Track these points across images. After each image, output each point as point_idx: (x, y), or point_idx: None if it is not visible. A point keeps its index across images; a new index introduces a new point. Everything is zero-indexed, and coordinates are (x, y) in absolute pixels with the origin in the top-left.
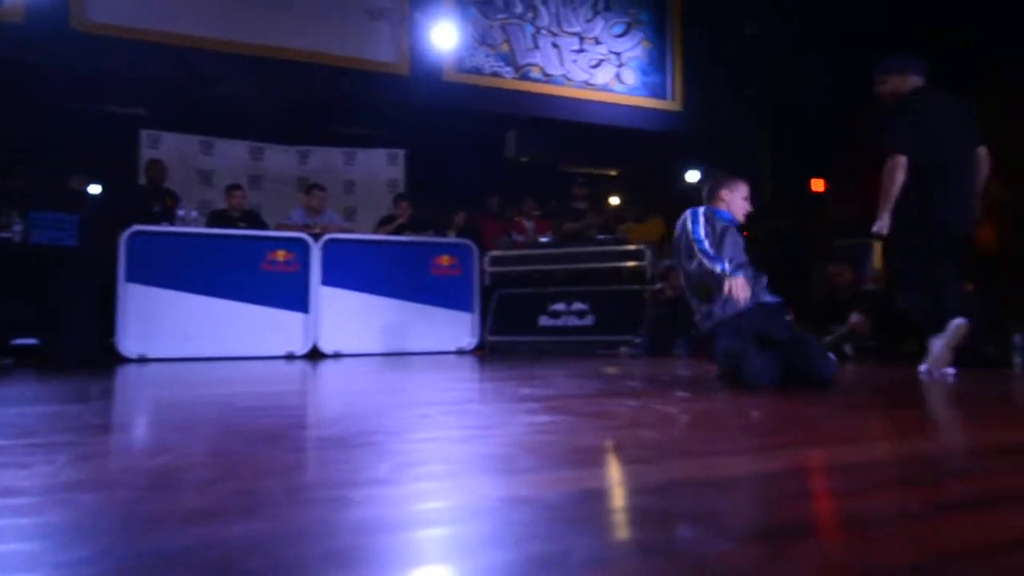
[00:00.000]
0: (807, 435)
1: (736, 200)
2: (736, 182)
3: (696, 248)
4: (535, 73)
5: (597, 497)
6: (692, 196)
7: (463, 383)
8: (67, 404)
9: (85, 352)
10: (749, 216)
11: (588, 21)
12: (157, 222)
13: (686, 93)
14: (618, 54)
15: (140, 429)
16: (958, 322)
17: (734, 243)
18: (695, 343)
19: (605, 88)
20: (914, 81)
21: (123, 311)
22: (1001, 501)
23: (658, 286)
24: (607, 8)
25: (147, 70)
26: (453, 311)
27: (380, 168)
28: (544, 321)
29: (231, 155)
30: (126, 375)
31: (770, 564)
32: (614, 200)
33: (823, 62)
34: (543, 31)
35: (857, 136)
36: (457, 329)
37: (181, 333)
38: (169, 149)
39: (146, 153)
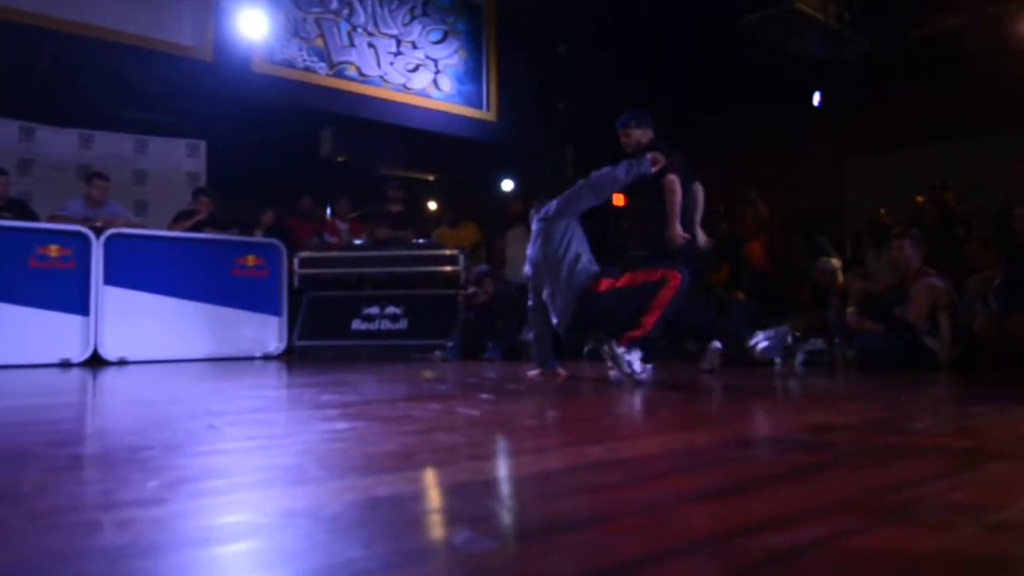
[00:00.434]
0: (592, 433)
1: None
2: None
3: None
4: (351, 72)
5: (382, 505)
6: (506, 204)
7: (262, 391)
8: None
9: None
10: None
11: (405, 25)
12: None
13: (501, 105)
14: (435, 60)
15: None
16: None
17: None
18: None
19: (423, 93)
20: (650, 134)
21: None
22: (750, 487)
23: (471, 291)
24: (424, 14)
25: None
26: (258, 314)
27: (178, 159)
28: (357, 325)
29: None
30: None
31: (535, 558)
32: (431, 205)
33: (625, 84)
34: (359, 30)
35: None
36: (263, 333)
37: None
38: None
39: None
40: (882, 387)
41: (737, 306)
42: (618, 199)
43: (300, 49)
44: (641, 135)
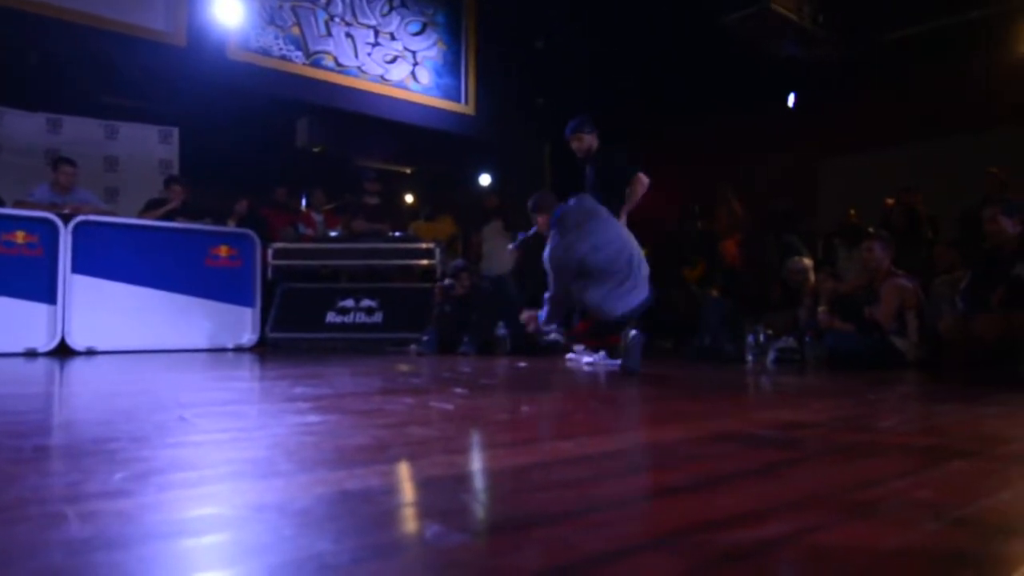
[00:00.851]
0: (565, 428)
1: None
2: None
3: None
4: (327, 61)
5: (353, 499)
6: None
7: (233, 383)
8: None
9: None
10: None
11: (384, 15)
12: None
13: (479, 98)
14: (413, 52)
15: None
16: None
17: None
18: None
19: (401, 85)
20: (596, 140)
21: None
22: (720, 483)
23: (447, 283)
24: (403, 5)
25: None
26: (231, 305)
27: (150, 146)
28: (331, 318)
29: None
30: None
31: (505, 552)
32: (408, 198)
33: (603, 81)
34: (336, 19)
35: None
36: (235, 325)
37: None
38: None
39: None
40: (851, 385)
41: (711, 303)
42: None
43: (276, 37)
44: (592, 140)
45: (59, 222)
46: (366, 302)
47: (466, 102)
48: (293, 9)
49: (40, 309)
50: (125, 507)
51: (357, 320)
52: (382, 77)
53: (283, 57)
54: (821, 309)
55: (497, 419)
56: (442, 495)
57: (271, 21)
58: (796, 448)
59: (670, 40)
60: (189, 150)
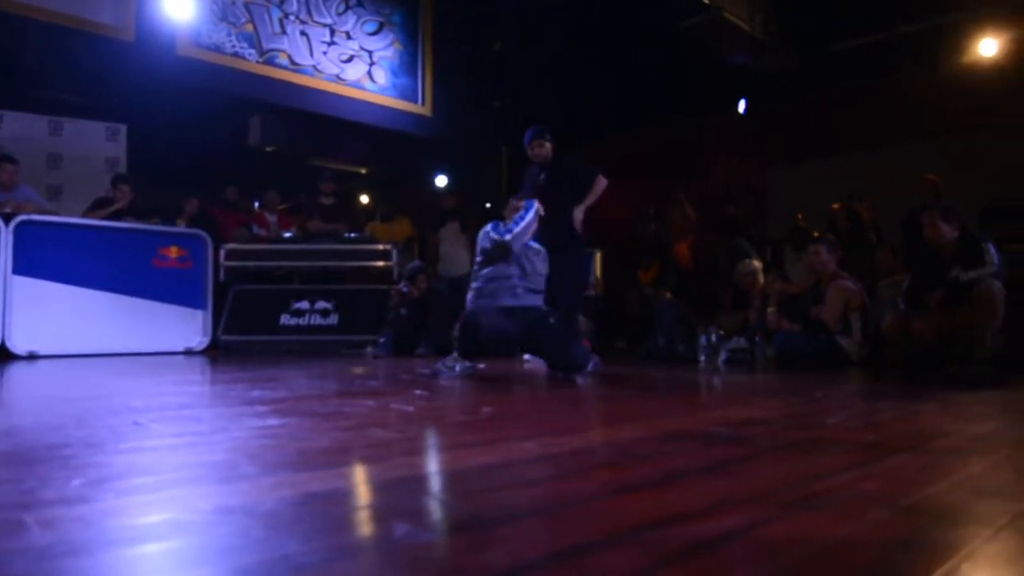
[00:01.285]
0: (525, 428)
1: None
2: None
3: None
4: (282, 60)
5: (319, 500)
6: (440, 200)
7: (187, 386)
8: None
9: None
10: None
11: (340, 14)
12: None
13: (436, 99)
14: (370, 52)
15: None
16: None
17: None
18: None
19: (357, 85)
20: (552, 149)
21: None
22: (671, 480)
23: (403, 287)
24: (359, 4)
25: None
26: (181, 307)
27: (96, 143)
28: (285, 320)
29: None
30: None
31: (472, 550)
32: (363, 198)
33: (558, 86)
34: (291, 17)
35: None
36: (186, 327)
37: None
38: None
39: None
40: (798, 384)
41: (664, 305)
42: None
43: (228, 34)
44: (551, 148)
45: (0, 222)
46: (321, 304)
47: (423, 103)
48: (246, 6)
49: None
50: (85, 513)
51: (312, 322)
52: (338, 76)
53: (236, 54)
54: (770, 310)
55: (458, 420)
56: (408, 496)
57: (223, 17)
58: (747, 445)
59: (625, 45)
60: (137, 148)
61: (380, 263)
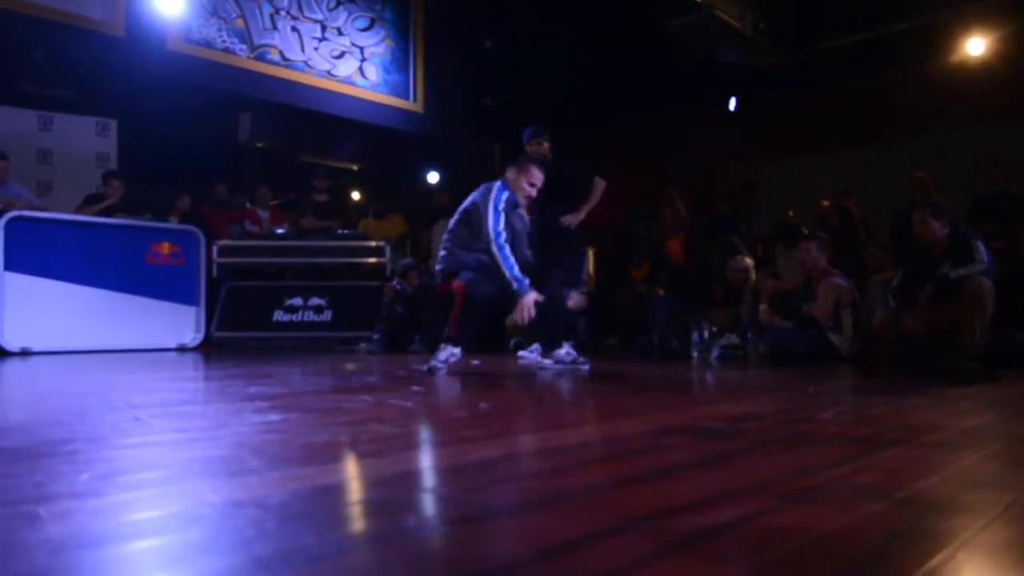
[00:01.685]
0: (523, 424)
1: (519, 182)
2: (528, 167)
3: (492, 238)
4: (273, 55)
5: (327, 493)
6: (432, 197)
7: (184, 382)
8: None
9: None
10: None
11: (331, 10)
12: None
13: (428, 96)
14: (361, 48)
15: None
16: None
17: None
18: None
19: (348, 81)
20: (550, 148)
21: None
22: (670, 473)
23: (395, 283)
24: (351, 0)
25: None
26: (174, 304)
27: (86, 139)
28: (279, 316)
29: None
30: None
31: (479, 540)
32: (355, 195)
33: (550, 83)
34: (282, 13)
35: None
36: (179, 324)
37: None
38: None
39: None
40: (790, 379)
41: (657, 302)
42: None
43: (219, 29)
44: (550, 148)
45: None
46: (315, 300)
47: (415, 99)
48: (237, 1)
49: None
50: (98, 506)
51: (305, 319)
52: (329, 72)
53: (226, 50)
54: (762, 307)
55: (456, 416)
56: (413, 489)
57: (214, 13)
58: (742, 439)
59: (617, 43)
60: (128, 144)
61: (373, 260)
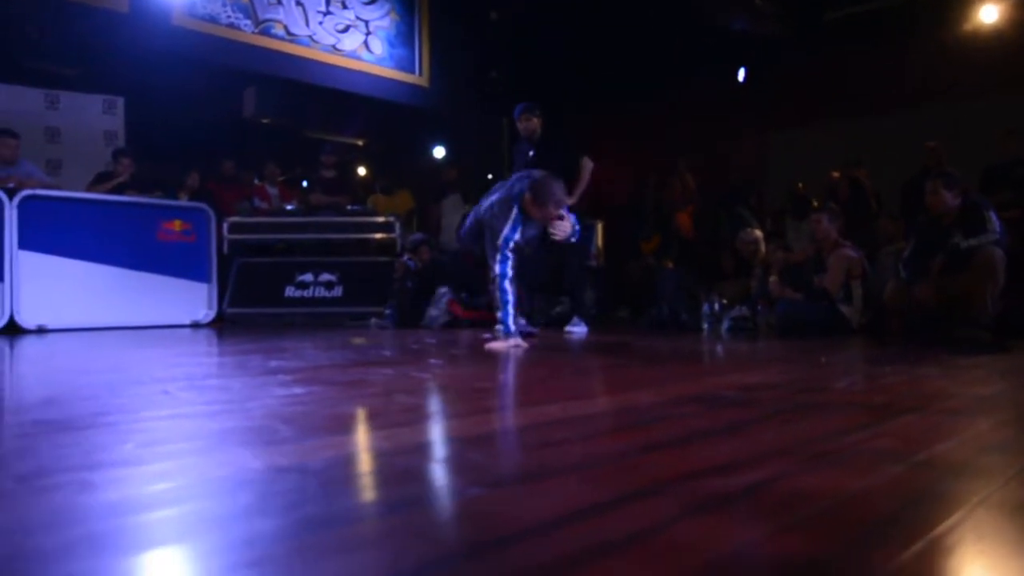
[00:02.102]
0: (543, 394)
1: (532, 211)
2: (546, 204)
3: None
4: (277, 30)
5: (363, 459)
6: (439, 171)
7: (203, 357)
8: None
9: None
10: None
11: None
12: None
13: (433, 70)
14: (366, 22)
15: None
16: None
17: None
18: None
19: (353, 55)
20: (540, 124)
21: None
22: (694, 440)
23: (406, 258)
24: None
25: None
26: (186, 280)
27: (93, 116)
28: (290, 292)
29: None
30: None
31: (521, 501)
32: (361, 171)
33: (555, 55)
34: None
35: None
36: (191, 300)
37: None
38: None
39: None
40: (801, 350)
41: (667, 274)
42: None
43: (224, 4)
44: (538, 123)
45: (4, 197)
46: (325, 276)
47: (420, 73)
48: None
49: None
50: (146, 473)
51: (316, 294)
52: (334, 47)
53: (231, 25)
54: (772, 279)
55: (477, 387)
56: (445, 455)
57: None
58: (757, 407)
59: (624, 14)
60: (135, 121)
61: (382, 235)
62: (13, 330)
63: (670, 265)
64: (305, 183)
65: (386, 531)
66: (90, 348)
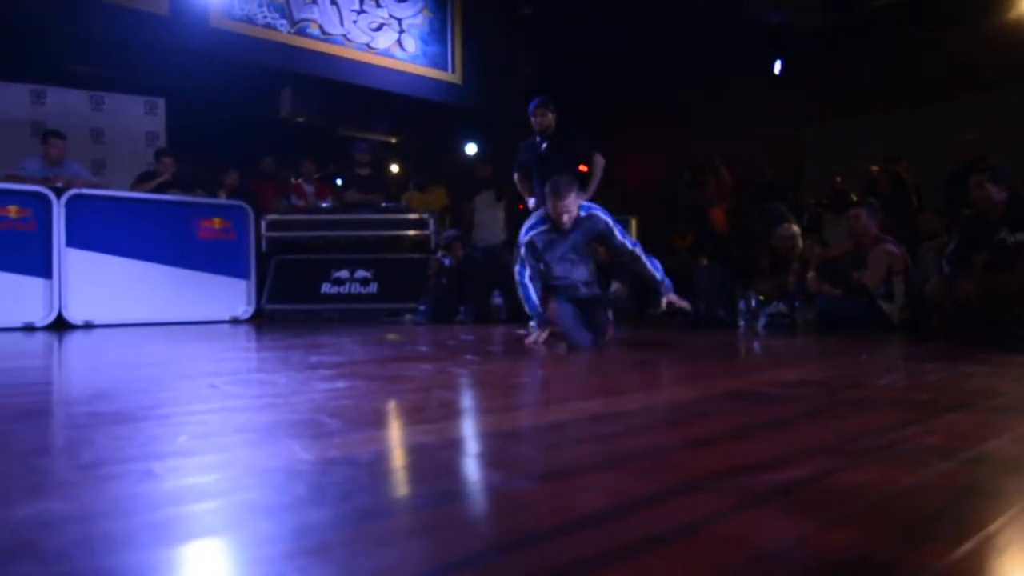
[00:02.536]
0: (582, 390)
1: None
2: (548, 195)
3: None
4: (312, 30)
5: (409, 452)
6: (472, 169)
7: (246, 352)
8: None
9: None
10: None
11: None
12: None
13: (466, 67)
14: (399, 20)
15: None
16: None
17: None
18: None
19: (387, 53)
20: (555, 119)
21: None
22: (737, 435)
23: (444, 258)
24: None
25: None
26: (226, 277)
27: (136, 117)
28: (326, 288)
29: None
30: None
31: (567, 494)
32: (394, 168)
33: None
34: None
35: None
36: (231, 297)
37: None
38: None
39: None
40: (841, 347)
41: (703, 271)
42: None
43: (260, 5)
44: (553, 118)
45: (52, 196)
46: (361, 273)
47: (453, 71)
48: None
49: (36, 283)
50: (201, 463)
51: (352, 291)
52: (368, 45)
53: (268, 25)
54: (810, 275)
55: (516, 383)
56: (491, 449)
57: None
58: (802, 403)
59: (659, 7)
60: (176, 121)
61: (416, 232)
62: (61, 325)
63: (704, 262)
64: (340, 181)
65: (433, 523)
66: (136, 343)
